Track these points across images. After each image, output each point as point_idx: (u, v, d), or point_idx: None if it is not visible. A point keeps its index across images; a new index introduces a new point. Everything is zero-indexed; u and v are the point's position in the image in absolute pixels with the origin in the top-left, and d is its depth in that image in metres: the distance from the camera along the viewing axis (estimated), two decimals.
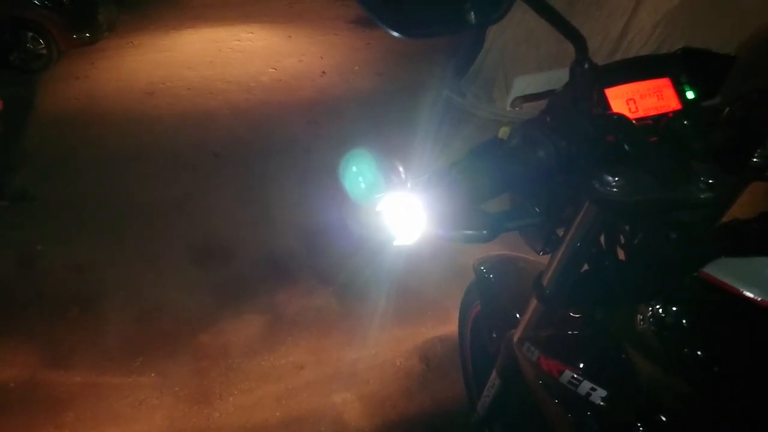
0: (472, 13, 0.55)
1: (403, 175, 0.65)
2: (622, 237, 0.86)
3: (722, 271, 0.68)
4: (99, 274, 2.69)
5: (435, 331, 2.29)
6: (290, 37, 7.32)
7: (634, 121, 0.73)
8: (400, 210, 0.64)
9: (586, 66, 0.66)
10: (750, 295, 0.65)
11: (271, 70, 6.17)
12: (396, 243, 0.66)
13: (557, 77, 0.90)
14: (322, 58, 6.51)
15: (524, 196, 0.78)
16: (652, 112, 0.85)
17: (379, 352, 2.22)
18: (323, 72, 6.05)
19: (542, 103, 0.91)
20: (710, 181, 0.71)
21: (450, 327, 2.26)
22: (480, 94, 4.52)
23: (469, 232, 0.67)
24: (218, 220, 3.16)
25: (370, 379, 2.10)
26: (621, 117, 0.69)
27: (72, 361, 2.20)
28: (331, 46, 6.91)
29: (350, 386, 2.06)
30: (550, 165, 0.66)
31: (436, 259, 2.51)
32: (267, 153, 4.03)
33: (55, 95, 5.32)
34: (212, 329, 2.32)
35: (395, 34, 0.55)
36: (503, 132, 0.71)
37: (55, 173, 3.74)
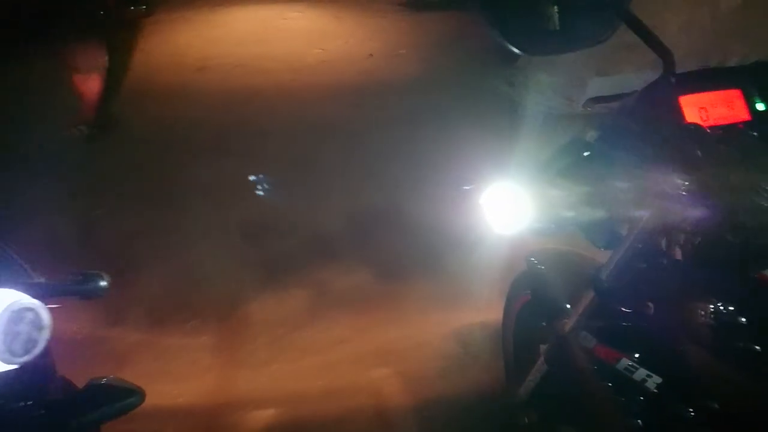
0: (583, 34, 0.61)
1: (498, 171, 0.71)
2: (682, 238, 0.91)
3: None
4: (154, 242, 2.83)
5: (474, 318, 2.35)
6: (337, 17, 7.35)
7: (708, 130, 0.78)
8: (503, 202, 0.71)
9: (672, 80, 0.71)
10: None
11: (318, 50, 6.23)
12: (497, 233, 0.72)
13: (629, 81, 0.94)
14: (368, 40, 6.53)
15: (599, 194, 0.83)
16: (722, 122, 0.89)
17: (418, 333, 2.30)
18: (370, 54, 6.08)
19: (610, 105, 0.95)
20: None
21: (488, 315, 2.32)
22: (530, 84, 4.48)
23: (552, 226, 0.73)
24: (265, 198, 3.27)
25: (408, 357, 2.18)
26: (698, 127, 0.74)
27: (129, 321, 2.35)
28: (378, 29, 6.92)
29: (388, 363, 2.15)
30: (631, 167, 0.72)
31: (480, 250, 2.56)
32: (314, 135, 4.12)
33: (110, 65, 5.51)
34: (260, 300, 2.44)
35: (518, 51, 0.61)
36: (590, 136, 0.76)
37: (111, 142, 3.92)
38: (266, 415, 1.94)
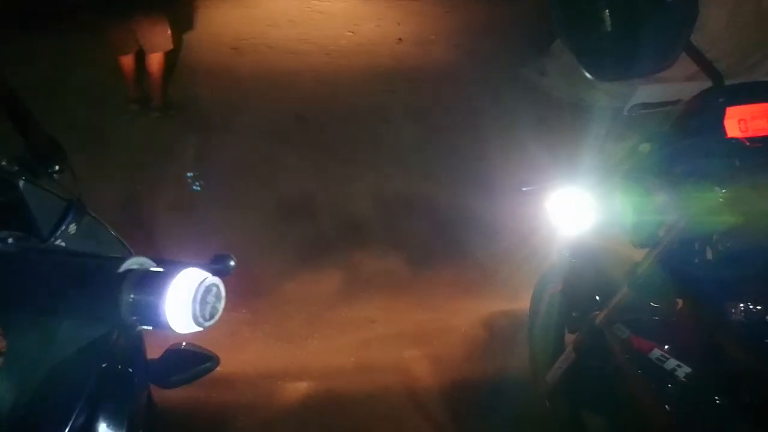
0: (649, 62, 0.67)
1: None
2: (715, 239, 0.97)
3: None
4: (194, 219, 2.96)
5: (502, 307, 2.43)
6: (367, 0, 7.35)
7: (747, 143, 0.84)
8: (568, 206, 0.79)
9: (720, 100, 0.77)
10: None
11: (349, 33, 6.27)
12: (563, 232, 0.80)
13: (676, 90, 1.00)
14: (399, 24, 6.54)
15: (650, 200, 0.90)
16: (761, 133, 0.95)
17: (447, 317, 2.40)
18: (400, 39, 6.10)
19: (655, 111, 1.02)
20: None
21: (516, 305, 2.40)
22: (563, 74, 4.46)
23: (601, 227, 0.81)
24: (302, 181, 3.38)
25: (437, 340, 2.28)
26: (738, 141, 0.80)
27: None
28: (409, 13, 6.92)
29: (418, 345, 2.25)
30: (681, 178, 0.78)
31: (509, 242, 2.63)
32: (346, 119, 4.20)
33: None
34: (297, 278, 2.56)
35: (589, 76, 0.68)
36: (643, 147, 0.83)
37: (153, 119, 4.06)
38: (302, 387, 2.06)
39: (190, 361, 0.93)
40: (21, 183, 0.67)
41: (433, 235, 2.92)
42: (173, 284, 0.41)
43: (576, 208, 0.78)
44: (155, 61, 4.05)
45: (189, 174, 2.88)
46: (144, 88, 4.17)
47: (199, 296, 0.42)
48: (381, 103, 4.50)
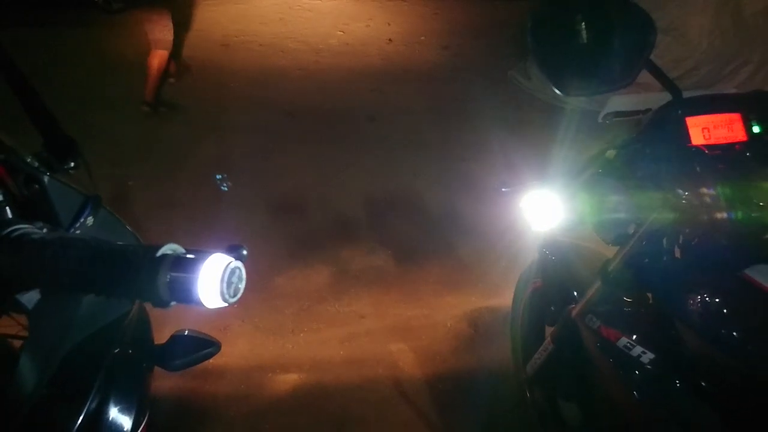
0: (612, 78, 0.75)
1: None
2: (681, 239, 1.06)
3: (764, 276, 0.88)
4: (187, 213, 3.01)
5: (485, 302, 2.52)
6: None
7: (706, 151, 0.93)
8: (539, 205, 0.87)
9: (679, 112, 0.85)
10: None
11: (339, 32, 6.32)
12: (534, 229, 0.88)
13: (646, 100, 1.09)
14: (389, 24, 6.61)
15: (617, 201, 0.99)
16: (722, 141, 1.04)
17: (432, 313, 2.47)
18: (389, 39, 6.17)
19: (627, 120, 1.10)
20: (761, 203, 0.91)
21: (498, 300, 2.49)
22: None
23: (569, 224, 0.89)
24: (292, 178, 3.44)
25: (423, 335, 2.36)
26: (698, 149, 0.89)
27: None
28: (399, 13, 6.99)
29: (405, 338, 2.33)
30: (642, 182, 0.87)
31: (492, 241, 2.72)
32: (335, 118, 4.26)
33: (135, 38, 5.64)
34: (286, 273, 2.62)
35: (558, 92, 0.76)
36: (609, 154, 0.91)
37: (143, 116, 4.08)
38: (292, 378, 2.12)
39: (193, 346, 0.99)
40: (46, 178, 0.73)
41: (420, 233, 3.00)
42: (204, 267, 0.48)
43: (545, 208, 0.87)
44: (157, 58, 4.08)
45: (218, 176, 2.94)
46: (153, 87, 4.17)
47: (225, 277, 0.49)
48: (369, 103, 4.57)
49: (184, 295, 0.48)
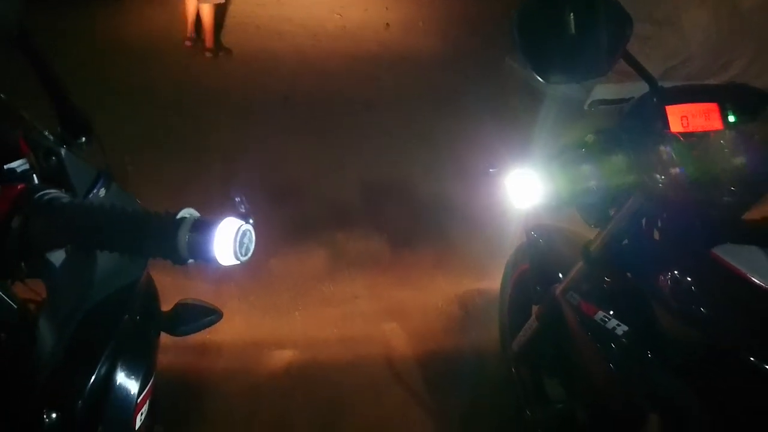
0: (591, 68, 0.81)
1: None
2: (659, 221, 1.13)
3: (733, 256, 0.95)
4: (183, 198, 3.05)
5: (475, 285, 2.59)
6: None
7: (682, 138, 0.99)
8: (522, 184, 0.93)
9: (655, 100, 0.91)
10: (754, 279, 0.92)
11: (336, 16, 6.31)
12: (516, 207, 0.94)
13: (631, 89, 1.15)
14: (387, 9, 6.60)
15: (594, 182, 1.05)
16: (699, 129, 1.10)
17: (424, 295, 2.55)
18: (387, 24, 6.16)
19: (611, 107, 1.16)
20: (732, 188, 0.97)
21: (488, 283, 2.56)
22: None
23: (553, 204, 0.95)
24: (287, 162, 3.48)
25: (415, 316, 2.43)
26: (674, 136, 0.94)
27: (159, 265, 2.57)
28: None
29: (397, 319, 2.40)
30: (619, 166, 0.93)
31: (483, 225, 2.78)
32: (331, 103, 4.29)
33: (132, 23, 5.63)
34: (281, 255, 2.68)
35: (540, 79, 0.81)
36: (589, 138, 0.97)
37: (136, 102, 4.09)
38: (287, 355, 2.19)
39: (197, 313, 1.05)
40: (63, 152, 0.78)
41: (414, 218, 3.06)
42: (219, 228, 0.54)
43: (526, 187, 0.93)
44: (207, 10, 4.75)
45: (236, 198, 2.99)
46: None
47: (238, 238, 0.55)
48: (365, 90, 4.59)
49: (201, 253, 0.54)
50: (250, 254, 0.56)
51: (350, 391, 2.06)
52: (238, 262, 0.55)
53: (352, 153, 3.62)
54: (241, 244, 0.55)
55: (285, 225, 2.90)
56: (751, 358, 0.89)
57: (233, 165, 3.32)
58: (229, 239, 0.54)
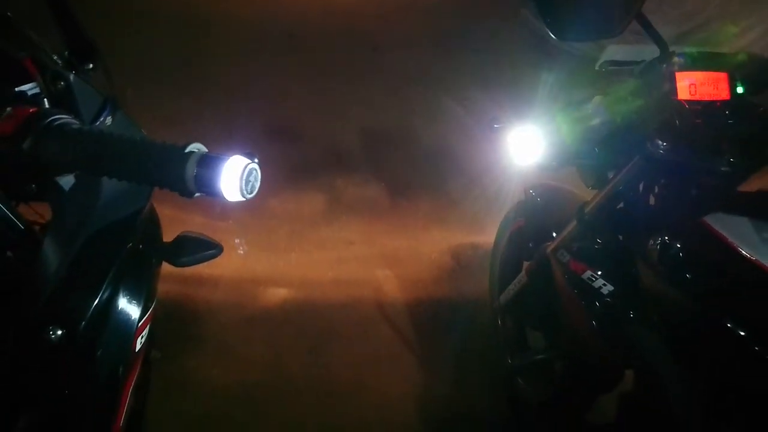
0: (604, 27, 0.80)
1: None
2: (656, 187, 1.14)
3: (723, 225, 0.97)
4: (185, 129, 3.03)
5: (469, 239, 2.63)
6: None
7: (687, 105, 0.99)
8: (524, 140, 0.94)
9: (665, 66, 0.91)
10: (741, 249, 0.94)
11: None
12: (517, 163, 0.95)
13: (642, 51, 1.13)
14: None
15: (595, 143, 1.06)
16: (706, 98, 1.10)
17: (418, 244, 2.59)
18: None
19: (622, 69, 1.16)
20: (731, 159, 0.98)
21: (482, 238, 2.60)
22: None
23: (554, 163, 0.96)
24: (291, 102, 3.44)
25: (408, 264, 2.48)
26: (680, 103, 0.95)
27: (163, 199, 2.60)
28: None
29: (391, 266, 2.45)
30: (622, 128, 0.93)
31: (483, 181, 2.80)
32: (336, 44, 4.19)
33: None
34: (280, 196, 2.70)
35: (553, 36, 0.80)
36: (596, 100, 0.97)
37: (138, 36, 3.98)
38: (282, 292, 2.25)
39: (198, 246, 1.08)
40: (71, 76, 0.78)
41: (414, 168, 3.06)
42: (227, 164, 0.55)
43: (528, 143, 0.94)
44: None
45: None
46: None
47: (245, 175, 0.56)
48: (373, 32, 4.47)
49: (208, 187, 0.56)
50: (255, 192, 0.58)
51: (340, 325, 2.14)
52: (244, 200, 0.57)
53: (355, 98, 3.57)
54: (247, 182, 0.56)
55: (285, 166, 2.90)
56: (730, 325, 0.93)
57: (234, 104, 3.29)
58: (236, 176, 0.55)
